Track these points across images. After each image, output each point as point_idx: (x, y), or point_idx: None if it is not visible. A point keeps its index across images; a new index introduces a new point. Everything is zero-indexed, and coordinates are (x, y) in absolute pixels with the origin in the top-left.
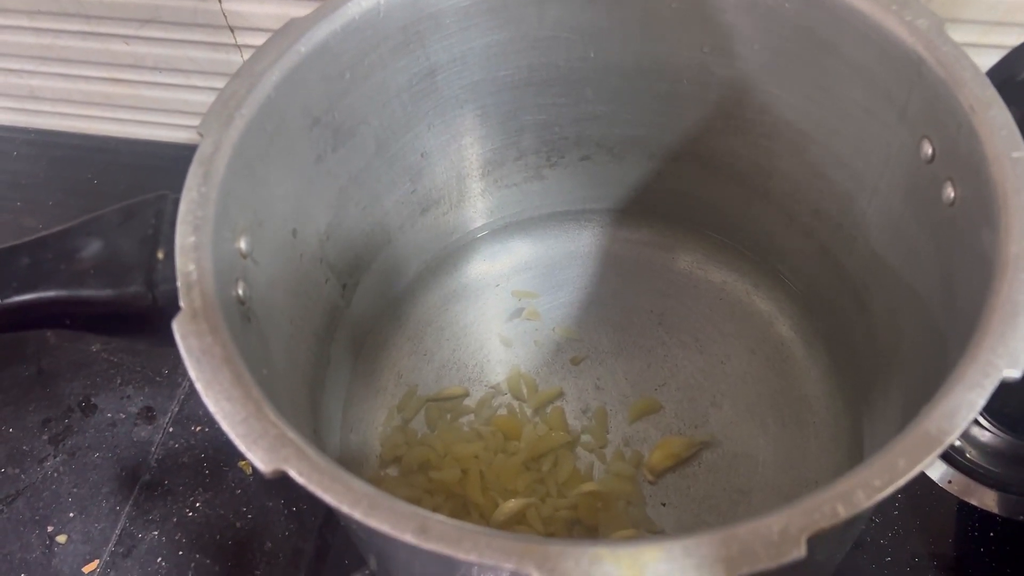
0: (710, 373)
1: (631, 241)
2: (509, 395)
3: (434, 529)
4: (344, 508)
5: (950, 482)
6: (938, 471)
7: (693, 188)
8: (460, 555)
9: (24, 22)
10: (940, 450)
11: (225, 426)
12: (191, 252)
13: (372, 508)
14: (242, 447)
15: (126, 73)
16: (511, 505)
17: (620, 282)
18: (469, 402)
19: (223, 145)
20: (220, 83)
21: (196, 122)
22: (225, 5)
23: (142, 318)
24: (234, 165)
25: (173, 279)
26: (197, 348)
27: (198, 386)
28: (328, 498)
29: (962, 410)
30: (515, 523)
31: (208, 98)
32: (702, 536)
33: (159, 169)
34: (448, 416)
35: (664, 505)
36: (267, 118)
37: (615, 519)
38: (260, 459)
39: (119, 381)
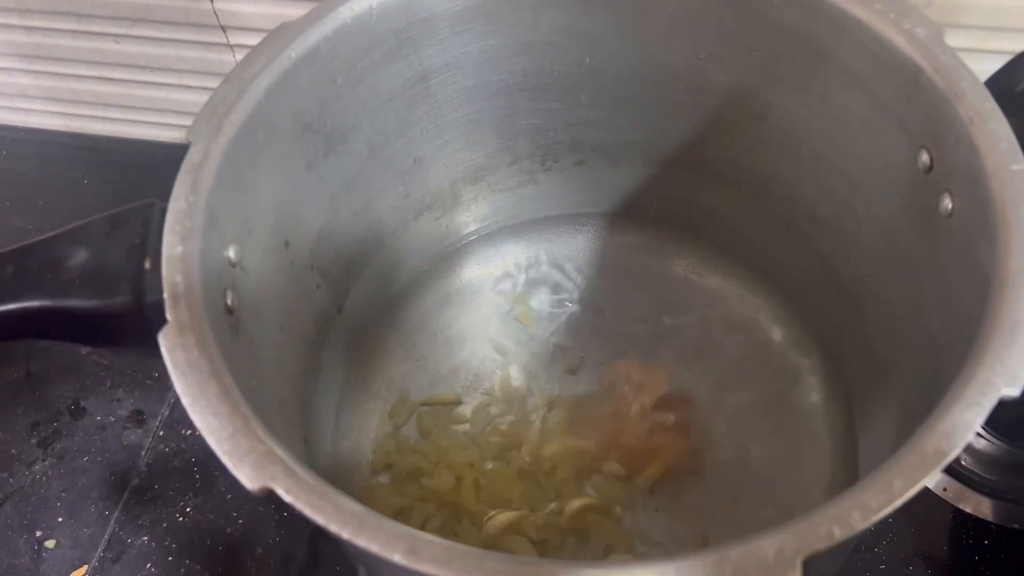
0: (704, 380)
1: (626, 246)
2: (503, 402)
3: (424, 550)
4: (332, 527)
5: (945, 489)
6: (933, 478)
7: (689, 194)
8: None
9: (14, 20)
10: (937, 470)
11: (211, 442)
12: (178, 263)
13: (361, 527)
14: (228, 464)
15: (117, 72)
16: (502, 519)
17: (615, 287)
18: (463, 409)
19: (212, 153)
20: (212, 83)
21: (189, 121)
22: (217, 4)
23: (129, 329)
24: (223, 173)
25: (161, 289)
26: (183, 362)
27: (184, 401)
28: (316, 517)
29: (960, 430)
30: (508, 532)
31: (200, 98)
32: (695, 558)
33: (150, 168)
34: (442, 423)
35: (657, 511)
36: (257, 125)
37: (608, 526)
38: (247, 476)
39: (109, 384)
